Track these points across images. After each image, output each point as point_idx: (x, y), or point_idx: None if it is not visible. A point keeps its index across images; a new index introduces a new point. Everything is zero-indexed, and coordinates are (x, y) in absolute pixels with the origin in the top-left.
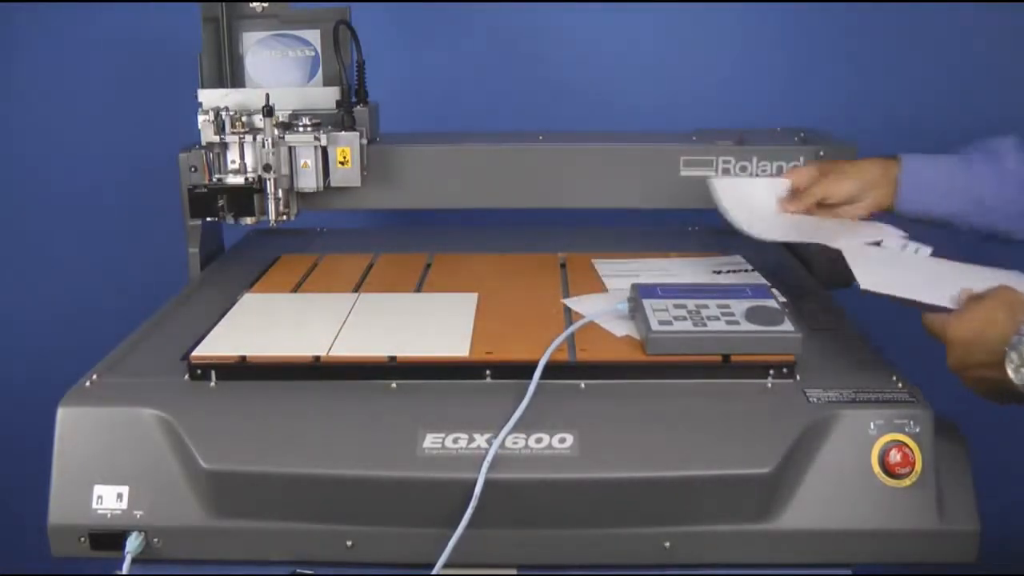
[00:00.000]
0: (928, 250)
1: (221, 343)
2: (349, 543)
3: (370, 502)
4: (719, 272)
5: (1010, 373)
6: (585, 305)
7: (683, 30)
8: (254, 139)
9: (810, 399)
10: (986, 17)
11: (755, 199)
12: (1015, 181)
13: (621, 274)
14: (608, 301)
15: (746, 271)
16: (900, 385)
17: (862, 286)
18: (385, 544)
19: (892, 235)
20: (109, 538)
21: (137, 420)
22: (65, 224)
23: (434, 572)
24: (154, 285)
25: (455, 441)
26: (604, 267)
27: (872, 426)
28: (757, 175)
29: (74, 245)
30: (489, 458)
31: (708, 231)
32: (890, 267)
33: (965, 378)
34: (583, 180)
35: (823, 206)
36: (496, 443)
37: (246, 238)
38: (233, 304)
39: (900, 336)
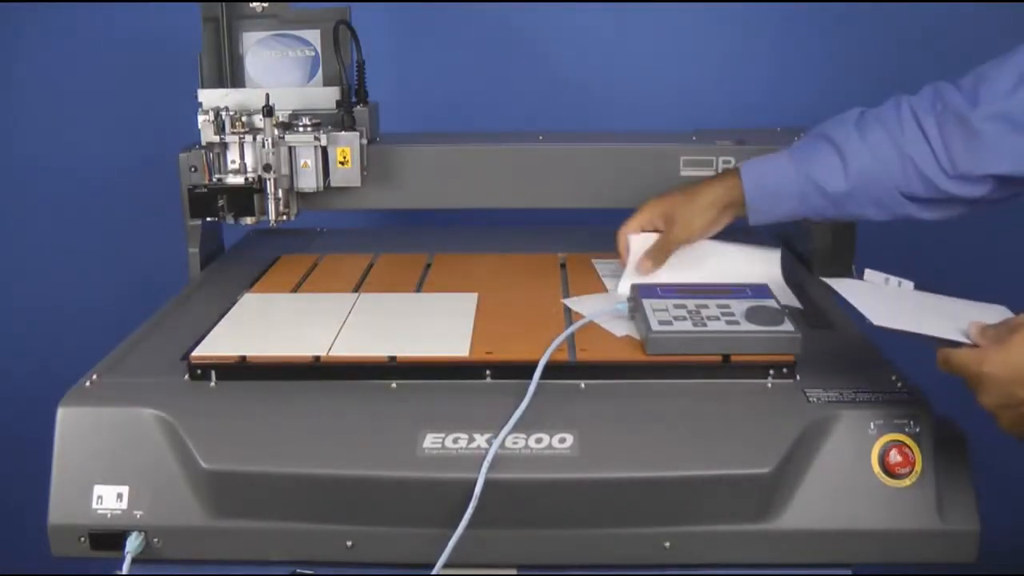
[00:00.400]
0: (910, 284)
1: (221, 343)
2: (349, 543)
3: (370, 502)
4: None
5: None
6: (585, 305)
7: (683, 30)
8: (254, 139)
9: (810, 399)
10: (986, 16)
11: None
12: (857, 165)
13: (620, 275)
14: (608, 301)
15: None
16: (900, 385)
17: (875, 322)
18: (385, 544)
19: (872, 272)
20: (109, 538)
21: (137, 420)
22: (65, 224)
23: (434, 572)
24: (154, 285)
25: (455, 441)
26: (604, 267)
27: (872, 426)
28: None
29: (74, 245)
30: (489, 458)
31: None
32: (893, 302)
33: (1006, 416)
34: (583, 180)
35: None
36: (496, 443)
37: (246, 238)
38: (233, 304)
39: (900, 336)
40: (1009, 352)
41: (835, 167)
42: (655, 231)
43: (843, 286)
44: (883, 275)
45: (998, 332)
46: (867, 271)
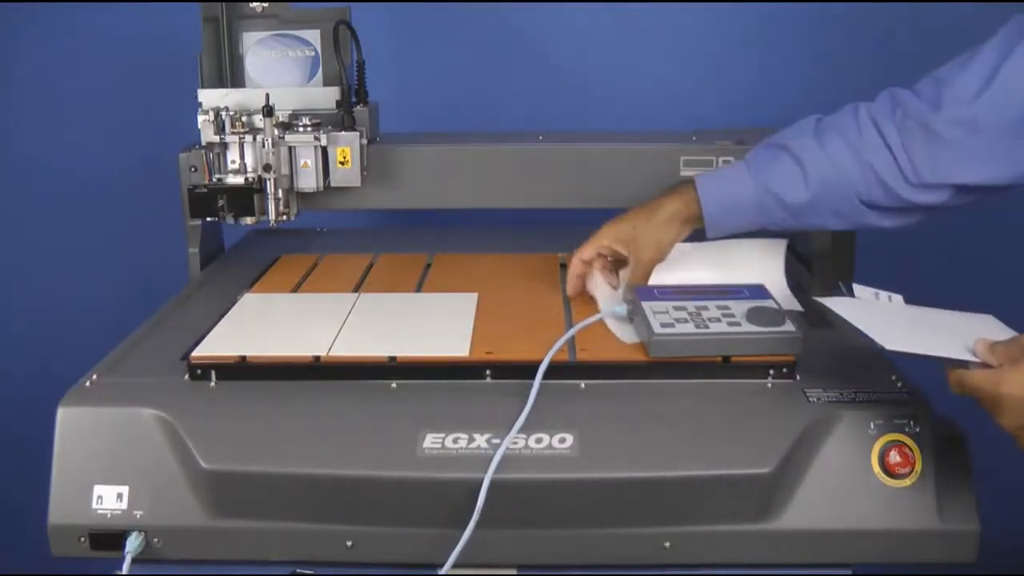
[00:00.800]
0: (900, 298)
1: (221, 343)
2: (349, 543)
3: (370, 502)
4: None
5: None
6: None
7: (684, 30)
8: (254, 139)
9: (810, 399)
10: (986, 16)
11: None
12: (817, 174)
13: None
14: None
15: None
16: (900, 385)
17: (887, 347)
18: (385, 544)
19: (861, 287)
20: (109, 538)
21: (137, 420)
22: (65, 224)
23: (442, 572)
24: (154, 285)
25: (455, 441)
26: None
27: (872, 426)
28: None
29: (74, 245)
30: (496, 460)
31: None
32: (893, 322)
33: None
34: (583, 180)
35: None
36: (503, 446)
37: (246, 238)
38: (233, 304)
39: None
40: None
41: (795, 177)
42: (614, 255)
43: (840, 306)
44: (872, 290)
45: (1009, 351)
46: (855, 287)
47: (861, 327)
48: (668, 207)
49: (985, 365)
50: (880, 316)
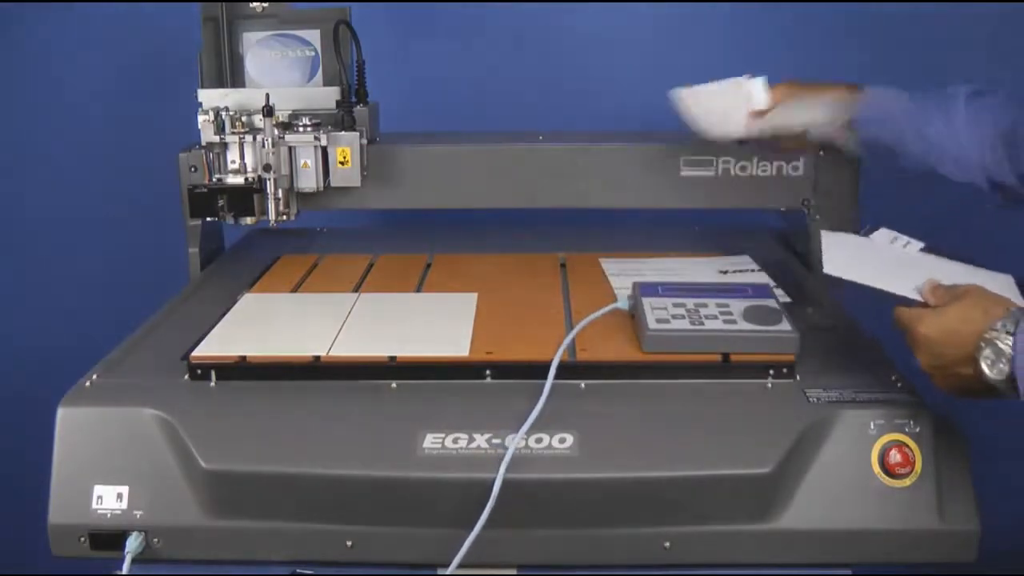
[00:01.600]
0: (919, 245)
1: (221, 343)
2: (349, 543)
3: (370, 502)
4: (725, 272)
5: (984, 369)
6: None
7: (685, 30)
8: (254, 139)
9: (810, 399)
10: (985, 17)
11: (718, 104)
12: (957, 125)
13: (627, 273)
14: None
15: (752, 271)
16: (900, 385)
17: (824, 270)
18: (385, 544)
19: (884, 231)
20: (109, 538)
21: (137, 420)
22: (65, 224)
23: (448, 572)
24: (154, 285)
25: (455, 441)
26: (611, 266)
27: (872, 426)
28: (757, 175)
29: (74, 245)
30: (507, 458)
31: (711, 231)
32: (861, 254)
33: (938, 377)
34: (583, 180)
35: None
36: (511, 448)
37: (246, 238)
38: (233, 304)
39: (901, 336)
40: (943, 315)
41: (936, 118)
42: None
43: (829, 238)
44: (893, 233)
45: (944, 295)
46: (881, 230)
47: (823, 249)
48: (835, 92)
49: (927, 305)
50: (858, 250)
